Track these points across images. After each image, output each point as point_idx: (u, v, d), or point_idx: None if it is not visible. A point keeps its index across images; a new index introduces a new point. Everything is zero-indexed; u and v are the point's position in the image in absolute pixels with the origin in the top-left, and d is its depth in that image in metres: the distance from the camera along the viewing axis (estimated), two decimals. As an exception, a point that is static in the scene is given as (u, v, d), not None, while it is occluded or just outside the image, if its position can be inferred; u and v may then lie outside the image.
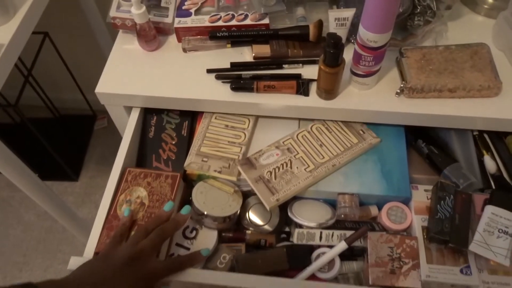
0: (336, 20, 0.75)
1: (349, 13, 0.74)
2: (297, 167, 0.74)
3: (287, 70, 0.78)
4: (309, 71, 0.77)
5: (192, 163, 0.75)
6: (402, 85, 0.73)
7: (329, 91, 0.72)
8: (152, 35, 0.79)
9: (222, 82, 0.76)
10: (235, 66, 0.78)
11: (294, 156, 0.75)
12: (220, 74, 0.77)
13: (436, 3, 0.77)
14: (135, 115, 0.80)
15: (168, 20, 0.82)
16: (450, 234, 0.67)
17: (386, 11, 0.61)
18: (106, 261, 0.59)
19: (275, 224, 0.75)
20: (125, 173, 0.74)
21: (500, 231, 0.66)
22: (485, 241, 0.65)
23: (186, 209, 0.67)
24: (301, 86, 0.74)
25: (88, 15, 1.36)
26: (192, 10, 0.81)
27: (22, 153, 1.01)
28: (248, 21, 0.79)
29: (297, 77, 0.76)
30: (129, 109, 0.81)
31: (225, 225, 0.73)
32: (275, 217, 0.76)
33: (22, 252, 1.57)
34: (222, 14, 0.80)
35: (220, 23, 0.79)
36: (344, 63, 0.68)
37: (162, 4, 0.84)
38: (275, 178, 0.72)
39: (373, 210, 0.75)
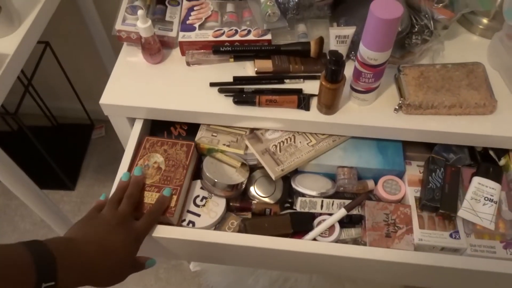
0: (336, 38, 0.77)
1: (349, 31, 0.76)
2: (300, 142, 0.80)
3: (289, 85, 0.80)
4: (310, 86, 0.79)
5: (202, 137, 0.82)
6: (400, 102, 0.75)
7: (329, 106, 0.74)
8: (156, 48, 0.80)
9: (225, 95, 0.78)
10: (237, 80, 0.80)
11: (297, 131, 0.81)
12: (223, 87, 0.79)
13: (433, 22, 0.80)
14: (138, 126, 0.82)
15: (173, 34, 0.83)
16: (441, 201, 0.74)
17: (386, 31, 0.63)
18: (100, 220, 0.65)
19: (277, 197, 0.83)
20: (143, 141, 0.80)
21: (486, 199, 0.73)
22: (472, 208, 0.72)
23: (137, 171, 0.74)
24: (302, 101, 0.76)
25: (89, 25, 1.38)
26: (196, 25, 0.83)
27: (18, 161, 1.02)
28: (251, 37, 0.81)
29: (298, 92, 0.78)
30: (132, 120, 0.83)
31: (232, 193, 0.80)
32: (278, 190, 0.83)
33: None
34: (226, 29, 0.82)
35: (223, 38, 0.81)
36: (344, 79, 0.70)
37: (167, 18, 0.86)
38: (280, 151, 0.79)
39: (370, 184, 0.81)
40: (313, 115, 0.76)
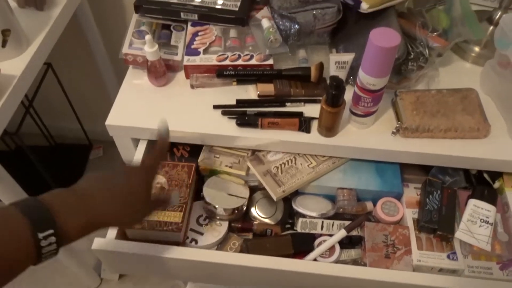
0: (336, 63, 0.80)
1: (348, 57, 0.79)
2: (300, 164, 0.82)
3: (290, 108, 0.82)
4: (311, 110, 0.81)
5: (205, 158, 0.83)
6: (397, 125, 0.77)
7: (329, 129, 0.77)
8: (162, 71, 0.83)
9: (228, 118, 0.80)
10: (240, 103, 0.82)
11: (298, 154, 0.83)
12: (226, 110, 0.81)
13: (428, 50, 0.83)
14: (142, 147, 0.83)
15: (178, 58, 0.86)
16: (438, 223, 0.76)
17: (384, 59, 0.66)
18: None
19: (278, 218, 0.84)
20: None
21: (482, 220, 0.75)
22: (469, 229, 0.74)
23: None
24: (303, 124, 0.78)
25: (93, 47, 1.41)
26: (201, 50, 0.86)
27: (15, 180, 1.03)
28: (253, 61, 0.84)
29: (299, 115, 0.81)
30: (136, 141, 0.84)
31: (233, 216, 0.82)
32: (279, 211, 0.85)
33: (11, 282, 1.54)
34: (229, 54, 0.85)
35: (227, 62, 0.84)
36: (344, 104, 0.73)
37: (172, 43, 0.89)
38: (281, 173, 0.81)
39: (369, 206, 0.83)
40: (314, 137, 0.78)
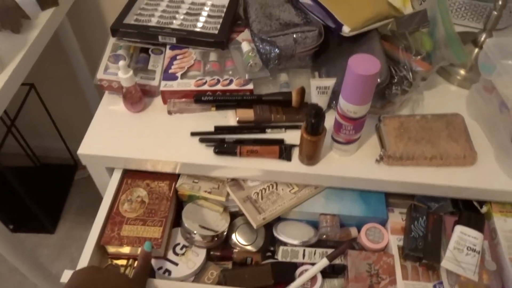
0: (317, 89, 0.77)
1: (330, 82, 0.77)
2: (282, 189, 0.80)
3: (270, 134, 0.80)
4: (292, 136, 0.79)
5: (184, 183, 0.81)
6: (381, 153, 0.75)
7: (310, 157, 0.74)
8: (137, 97, 0.80)
9: (206, 145, 0.77)
10: (219, 129, 0.79)
11: None
12: (204, 137, 0.78)
13: (412, 74, 0.81)
14: (117, 176, 0.80)
15: (155, 83, 0.83)
16: (424, 251, 0.73)
17: (364, 86, 0.64)
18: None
19: (259, 245, 0.81)
20: (124, 178, 0.81)
21: (469, 248, 0.72)
22: (455, 258, 0.71)
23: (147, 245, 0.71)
24: (284, 151, 0.75)
25: (75, 67, 1.39)
26: (179, 74, 0.83)
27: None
28: (233, 86, 0.82)
29: (280, 142, 0.78)
30: (111, 169, 0.81)
31: (213, 244, 0.79)
32: (260, 238, 0.82)
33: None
34: (208, 78, 0.83)
35: (205, 87, 0.81)
36: (325, 131, 0.70)
37: (150, 67, 0.86)
38: (262, 199, 0.78)
39: (353, 231, 0.81)
40: (295, 165, 0.75)
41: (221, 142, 0.77)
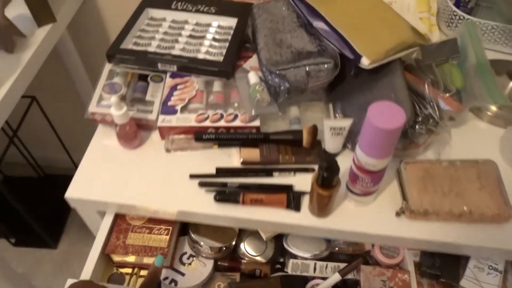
0: (331, 130, 0.69)
1: (345, 123, 0.69)
2: None
3: (278, 178, 0.72)
4: (302, 181, 0.71)
5: None
6: (402, 206, 0.66)
7: (322, 209, 0.66)
8: (132, 134, 0.73)
9: (206, 190, 0.70)
10: (220, 172, 0.72)
11: None
12: (204, 181, 0.70)
13: (439, 112, 0.72)
14: (109, 219, 0.73)
15: (152, 116, 0.76)
16: (441, 268, 0.70)
17: (386, 141, 0.55)
18: None
19: (269, 256, 0.79)
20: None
21: (490, 267, 0.68)
22: (476, 277, 0.67)
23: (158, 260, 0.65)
24: (292, 201, 0.68)
25: (75, 80, 1.33)
26: (178, 107, 0.76)
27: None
28: (237, 122, 0.74)
29: (288, 188, 0.70)
30: (102, 212, 0.74)
31: (220, 255, 0.77)
32: (270, 249, 0.80)
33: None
34: (210, 113, 0.75)
35: (207, 123, 0.74)
36: (339, 185, 0.62)
37: (148, 98, 0.78)
38: None
39: (367, 244, 0.78)
40: (304, 217, 0.67)
41: (223, 188, 0.70)
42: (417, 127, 0.72)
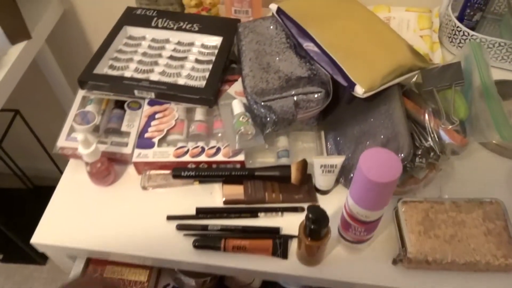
0: (322, 167, 0.63)
1: (337, 160, 0.62)
2: None
3: (264, 219, 0.65)
4: (290, 222, 0.64)
5: None
6: (400, 253, 0.60)
7: (311, 258, 0.60)
8: (105, 171, 0.67)
9: (185, 234, 0.64)
10: (201, 213, 0.66)
11: None
12: (182, 224, 0.64)
13: (441, 144, 0.65)
14: (80, 264, 0.67)
15: (127, 150, 0.70)
16: None
17: (380, 194, 0.49)
18: None
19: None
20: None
21: None
22: None
23: None
24: (278, 247, 0.61)
25: (58, 91, 1.27)
26: (156, 140, 0.69)
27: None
28: (220, 157, 0.67)
29: (275, 232, 0.64)
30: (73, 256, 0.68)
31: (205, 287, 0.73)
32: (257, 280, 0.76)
33: None
34: (191, 145, 0.69)
35: (187, 158, 0.67)
36: (329, 235, 0.56)
37: (123, 128, 0.72)
38: None
39: None
40: (291, 265, 0.61)
41: (203, 230, 0.64)
42: (416, 160, 0.66)
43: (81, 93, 0.76)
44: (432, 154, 0.66)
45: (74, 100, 0.76)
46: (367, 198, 0.50)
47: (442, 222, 0.61)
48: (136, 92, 0.73)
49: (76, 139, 0.69)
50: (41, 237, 0.64)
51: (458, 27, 0.83)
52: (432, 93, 0.69)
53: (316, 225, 0.52)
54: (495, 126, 0.61)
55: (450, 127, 0.65)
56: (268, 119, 0.67)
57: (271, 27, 0.76)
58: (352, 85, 0.64)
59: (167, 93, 0.72)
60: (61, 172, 1.67)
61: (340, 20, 0.72)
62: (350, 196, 0.53)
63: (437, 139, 0.66)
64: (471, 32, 0.82)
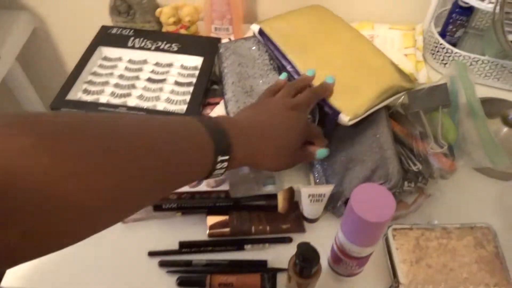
0: (310, 197, 0.61)
1: (325, 189, 0.60)
2: None
3: (250, 252, 0.63)
4: (277, 253, 0.62)
5: None
6: (392, 284, 0.58)
7: (301, 292, 0.57)
8: (81, 205, 0.63)
9: (167, 272, 0.60)
10: (184, 247, 0.62)
11: None
12: (164, 260, 0.61)
13: (429, 168, 0.64)
14: (56, 305, 0.63)
15: (105, 181, 0.66)
16: None
17: (373, 232, 0.47)
18: (273, 102, 0.59)
19: None
20: None
21: None
22: None
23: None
24: (267, 282, 0.59)
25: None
26: (135, 169, 0.66)
27: None
28: (203, 187, 0.64)
29: (262, 265, 0.61)
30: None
31: None
32: None
33: None
34: (172, 175, 0.65)
35: (168, 188, 0.64)
36: (319, 272, 0.53)
37: (99, 157, 0.68)
38: None
39: None
40: (281, 300, 0.59)
41: (187, 266, 0.61)
42: (405, 184, 0.65)
43: (53, 120, 0.71)
44: (420, 178, 0.65)
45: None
46: (359, 235, 0.48)
47: (434, 250, 0.60)
48: (112, 118, 0.69)
49: (49, 171, 0.65)
50: (9, 281, 0.59)
51: (441, 44, 0.82)
52: (419, 115, 0.68)
53: (307, 263, 0.50)
54: (485, 152, 0.60)
55: (439, 151, 0.63)
56: (253, 146, 0.64)
57: (253, 47, 0.74)
58: (336, 113, 0.63)
59: (146, 119, 0.68)
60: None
61: (323, 44, 0.70)
62: (342, 232, 0.51)
63: (425, 161, 0.64)
64: (455, 50, 0.81)
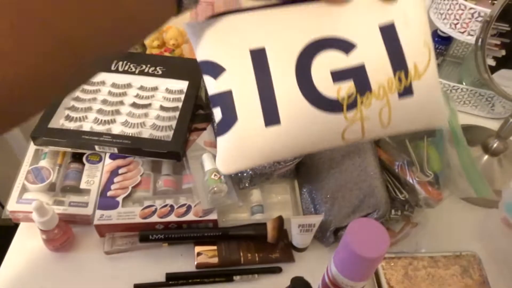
0: (300, 227, 0.60)
1: (315, 219, 0.60)
2: None
3: (239, 283, 0.62)
4: (267, 284, 0.61)
5: None
6: (382, 315, 0.58)
7: (292, 326, 0.56)
8: (63, 238, 0.60)
9: (154, 306, 0.58)
10: (172, 279, 0.61)
11: None
12: (151, 294, 0.59)
13: (416, 197, 0.65)
14: None
15: (88, 211, 0.64)
16: None
17: (367, 267, 0.47)
18: None
19: None
20: None
21: None
22: None
23: None
24: (257, 315, 0.58)
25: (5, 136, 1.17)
26: (120, 199, 0.64)
27: None
28: (190, 216, 0.63)
29: (252, 297, 0.60)
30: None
31: None
32: None
33: None
34: (158, 204, 0.64)
35: (154, 218, 0.63)
36: (312, 305, 0.53)
37: (82, 186, 0.66)
38: None
39: None
40: (271, 335, 0.58)
41: (175, 300, 0.59)
42: (392, 212, 0.65)
43: (33, 146, 0.69)
44: (407, 206, 0.66)
45: (27, 148, 0.70)
46: (353, 270, 0.48)
47: (422, 279, 0.60)
48: (97, 147, 0.67)
49: (28, 200, 0.62)
50: (-13, 318, 0.56)
51: (422, 72, 0.84)
52: (405, 144, 0.69)
53: (301, 299, 0.49)
54: (467, 180, 0.62)
55: (425, 179, 0.64)
56: (245, 174, 0.64)
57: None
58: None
59: (131, 148, 0.67)
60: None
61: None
62: (334, 265, 0.51)
63: (412, 191, 0.65)
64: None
